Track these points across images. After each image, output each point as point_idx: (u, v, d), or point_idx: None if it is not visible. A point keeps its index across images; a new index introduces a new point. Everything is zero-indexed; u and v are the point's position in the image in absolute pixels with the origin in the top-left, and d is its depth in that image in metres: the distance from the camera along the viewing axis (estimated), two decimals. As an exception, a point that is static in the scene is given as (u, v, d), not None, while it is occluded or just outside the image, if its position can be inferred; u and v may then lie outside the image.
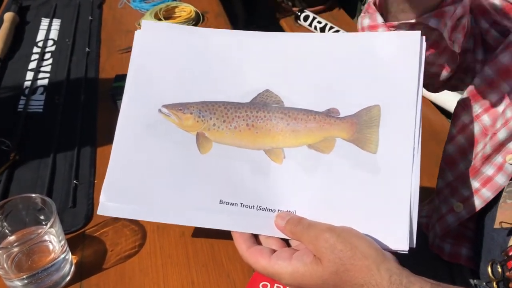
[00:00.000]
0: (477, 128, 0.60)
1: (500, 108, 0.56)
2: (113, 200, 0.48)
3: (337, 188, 0.48)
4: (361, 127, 0.48)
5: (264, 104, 0.50)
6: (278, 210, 0.48)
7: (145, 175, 0.49)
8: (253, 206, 0.48)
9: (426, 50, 0.54)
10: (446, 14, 0.56)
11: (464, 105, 0.61)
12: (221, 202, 0.48)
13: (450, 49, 0.60)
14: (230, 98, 0.51)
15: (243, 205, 0.48)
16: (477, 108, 0.60)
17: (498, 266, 0.54)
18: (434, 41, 0.60)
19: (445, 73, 0.65)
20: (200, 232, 0.65)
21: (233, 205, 0.48)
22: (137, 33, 0.53)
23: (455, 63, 0.63)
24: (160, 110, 0.50)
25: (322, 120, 0.49)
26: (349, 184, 0.48)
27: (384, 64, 0.48)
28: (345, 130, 0.48)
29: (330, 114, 0.49)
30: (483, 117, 0.59)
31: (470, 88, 0.60)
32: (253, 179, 0.49)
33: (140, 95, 0.51)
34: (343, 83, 0.49)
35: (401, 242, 0.46)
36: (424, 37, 0.48)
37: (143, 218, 0.51)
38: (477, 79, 0.59)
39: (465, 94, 0.60)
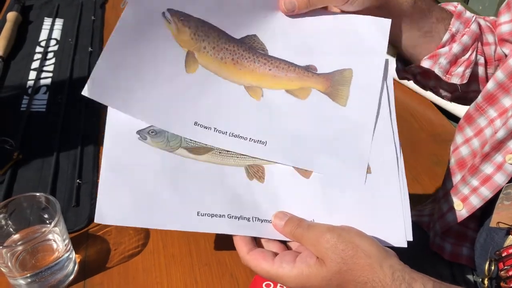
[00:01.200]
0: (489, 133, 0.60)
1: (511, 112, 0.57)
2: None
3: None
4: (335, 83, 0.54)
5: (250, 46, 0.53)
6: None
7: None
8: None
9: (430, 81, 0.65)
10: (439, 55, 0.60)
11: (479, 109, 0.61)
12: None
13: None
14: (224, 27, 0.52)
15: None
16: (491, 112, 0.60)
17: (493, 264, 0.55)
18: (436, 76, 0.62)
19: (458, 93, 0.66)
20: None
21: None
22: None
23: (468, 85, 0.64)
24: (163, 14, 0.50)
25: (301, 72, 0.54)
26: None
27: (359, 39, 0.55)
28: (321, 83, 0.54)
29: (309, 69, 0.54)
30: (497, 121, 0.59)
31: (485, 91, 0.60)
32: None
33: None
34: (322, 48, 0.55)
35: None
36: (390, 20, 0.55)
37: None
38: (491, 83, 0.59)
39: (480, 97, 0.61)
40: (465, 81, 0.61)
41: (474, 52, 0.61)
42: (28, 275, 0.57)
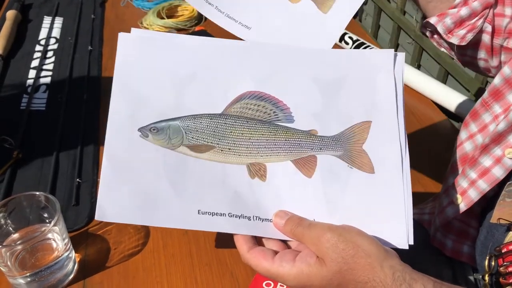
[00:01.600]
0: (493, 128, 0.60)
1: None
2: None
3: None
4: None
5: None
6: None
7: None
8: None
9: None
10: (447, 14, 0.63)
11: (485, 104, 0.61)
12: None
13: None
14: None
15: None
16: (496, 108, 0.60)
17: (493, 260, 0.55)
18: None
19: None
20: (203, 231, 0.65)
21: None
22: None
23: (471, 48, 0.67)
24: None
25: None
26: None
27: None
28: None
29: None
30: (501, 117, 0.59)
31: (491, 87, 0.60)
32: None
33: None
34: None
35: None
36: None
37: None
38: (497, 78, 0.59)
39: (486, 93, 0.61)
40: (463, 43, 0.63)
41: (482, 19, 0.63)
42: (28, 274, 0.57)
